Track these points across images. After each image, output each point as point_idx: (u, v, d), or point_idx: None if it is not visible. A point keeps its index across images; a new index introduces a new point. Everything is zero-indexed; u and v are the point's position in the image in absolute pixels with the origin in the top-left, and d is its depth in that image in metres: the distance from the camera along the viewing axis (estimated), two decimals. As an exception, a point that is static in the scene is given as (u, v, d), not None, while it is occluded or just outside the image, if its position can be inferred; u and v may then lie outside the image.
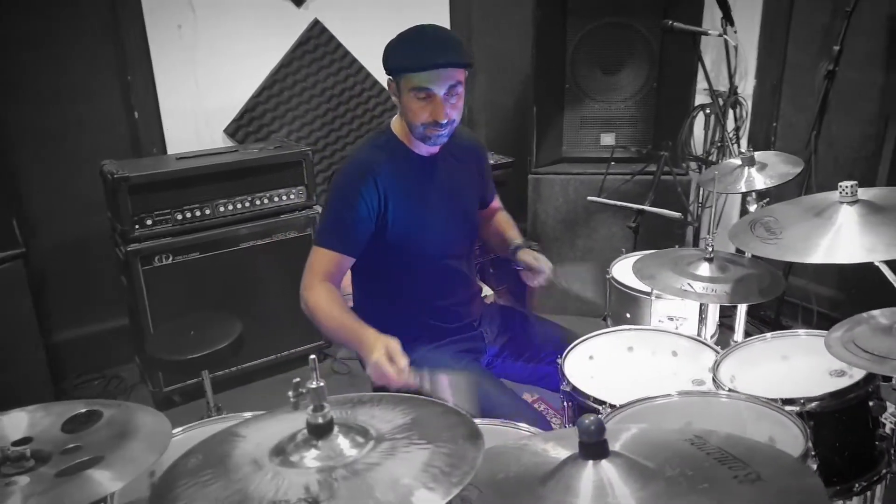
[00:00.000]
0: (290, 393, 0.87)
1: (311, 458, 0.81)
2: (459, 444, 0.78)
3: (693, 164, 3.19)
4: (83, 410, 1.05)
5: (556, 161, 3.53)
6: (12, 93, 2.70)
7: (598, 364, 1.64)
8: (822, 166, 2.85)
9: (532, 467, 0.82)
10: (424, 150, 1.74)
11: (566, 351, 1.61)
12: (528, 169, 3.43)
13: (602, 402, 1.39)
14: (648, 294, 1.91)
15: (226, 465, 0.83)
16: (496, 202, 2.04)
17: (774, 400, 1.19)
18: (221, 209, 2.74)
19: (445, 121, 1.62)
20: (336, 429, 0.83)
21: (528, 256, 1.83)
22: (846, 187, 1.30)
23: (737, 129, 3.16)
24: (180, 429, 1.35)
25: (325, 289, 1.66)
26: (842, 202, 1.31)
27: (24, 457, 0.92)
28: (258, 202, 2.82)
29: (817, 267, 2.95)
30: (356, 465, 0.78)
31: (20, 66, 2.69)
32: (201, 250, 2.70)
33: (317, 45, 3.27)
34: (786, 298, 2.98)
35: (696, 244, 3.19)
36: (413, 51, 1.61)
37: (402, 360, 1.47)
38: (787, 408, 1.17)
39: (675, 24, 2.73)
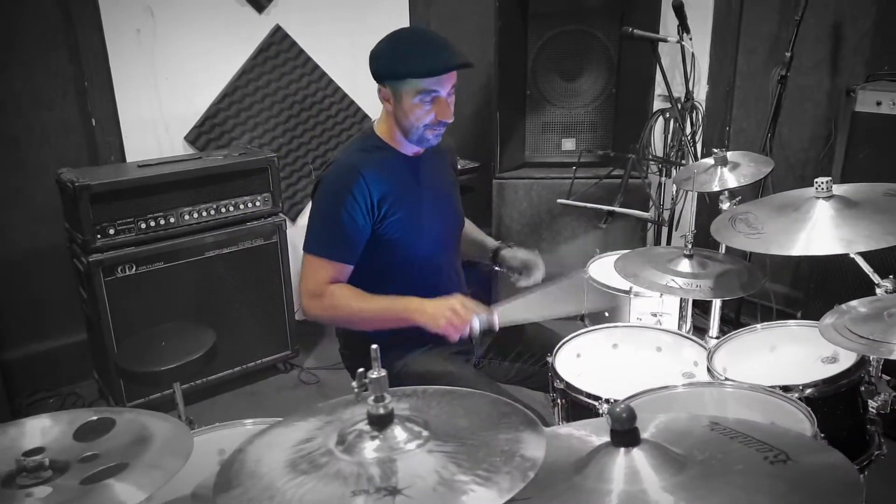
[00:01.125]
0: (355, 383, 0.88)
1: (370, 449, 0.81)
2: (520, 434, 0.79)
3: (653, 168, 3.29)
4: (94, 418, 1.02)
5: (520, 166, 3.58)
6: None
7: (585, 361, 1.67)
8: (776, 167, 2.97)
9: (561, 457, 0.83)
10: (410, 150, 1.74)
11: (556, 348, 1.63)
12: (492, 174, 3.47)
13: (598, 398, 1.41)
14: (627, 292, 1.95)
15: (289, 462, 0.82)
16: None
17: (773, 387, 1.23)
18: (186, 217, 2.67)
19: (450, 120, 1.64)
20: (396, 419, 0.83)
21: (521, 254, 1.86)
22: (821, 183, 1.36)
23: (693, 133, 3.26)
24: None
25: (340, 287, 1.67)
26: (817, 197, 1.37)
27: (42, 466, 0.88)
28: (223, 210, 2.77)
29: (773, 266, 3.07)
30: (415, 455, 0.78)
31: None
32: (165, 260, 2.63)
33: (279, 51, 3.23)
34: (745, 298, 3.09)
35: (658, 244, 3.28)
36: (424, 56, 1.60)
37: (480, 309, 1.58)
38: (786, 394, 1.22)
39: (635, 31, 2.80)
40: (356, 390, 0.86)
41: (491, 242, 2.00)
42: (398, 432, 0.82)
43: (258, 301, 2.93)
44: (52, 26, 2.69)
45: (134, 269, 2.54)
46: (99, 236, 2.46)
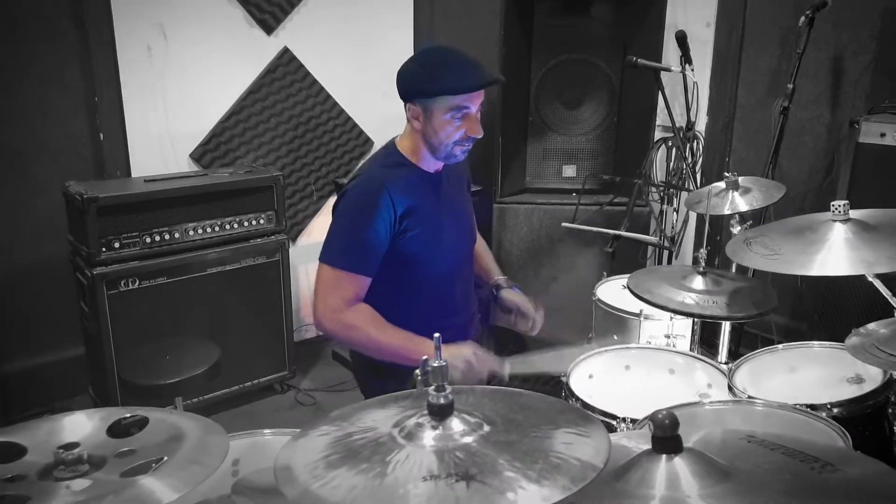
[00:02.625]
0: (417, 371, 0.89)
1: (431, 438, 0.81)
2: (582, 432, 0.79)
3: (654, 195, 3.32)
4: (127, 416, 1.02)
5: (520, 191, 3.60)
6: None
7: (597, 383, 1.67)
8: (776, 203, 3.02)
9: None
10: (431, 167, 1.76)
11: (569, 369, 1.63)
12: (492, 199, 3.49)
13: (614, 416, 1.41)
14: (637, 315, 1.96)
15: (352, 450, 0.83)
16: None
17: (800, 405, 1.23)
18: (190, 233, 2.66)
19: (480, 135, 1.67)
20: (455, 412, 0.83)
21: (519, 300, 1.87)
22: (838, 206, 1.38)
23: (694, 162, 3.30)
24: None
25: (361, 309, 1.66)
26: (834, 220, 1.39)
27: (80, 460, 0.88)
28: (227, 227, 2.76)
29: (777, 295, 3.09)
30: (477, 446, 0.78)
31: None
32: (168, 275, 2.61)
33: (285, 72, 3.26)
34: (745, 329, 3.10)
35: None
36: (458, 73, 1.64)
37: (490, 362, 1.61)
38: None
39: (639, 60, 2.86)
40: (418, 378, 0.87)
41: (495, 276, 2.02)
42: (456, 424, 0.82)
43: (258, 320, 2.91)
44: (67, 42, 2.71)
45: (137, 283, 2.53)
46: (104, 249, 2.45)
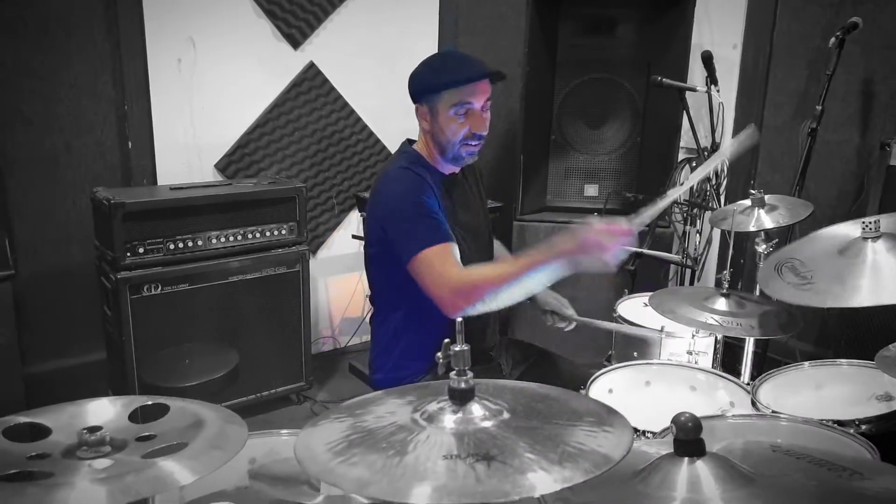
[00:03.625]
0: (439, 354, 0.91)
1: (451, 421, 0.82)
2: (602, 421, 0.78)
3: (678, 216, 3.29)
4: (149, 403, 1.04)
5: (541, 209, 3.59)
6: (9, 119, 2.66)
7: (617, 398, 1.65)
8: (803, 223, 2.97)
9: (621, 466, 0.81)
10: (447, 170, 1.78)
11: (588, 382, 1.61)
12: (513, 216, 3.49)
13: (633, 429, 1.38)
14: (659, 332, 1.93)
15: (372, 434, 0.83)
16: None
17: (827, 421, 1.20)
18: (213, 241, 2.69)
19: (484, 132, 1.67)
20: (476, 397, 0.83)
21: (554, 299, 1.85)
22: (870, 223, 1.34)
23: (718, 184, 3.28)
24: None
25: (472, 269, 1.57)
26: (865, 238, 1.35)
27: (102, 441, 0.90)
28: (250, 236, 2.78)
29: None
30: (497, 430, 0.78)
31: (20, 92, 2.66)
32: (190, 282, 2.63)
33: (311, 86, 3.31)
34: (768, 355, 3.04)
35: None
36: (454, 68, 1.68)
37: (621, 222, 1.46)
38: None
39: (664, 79, 2.85)
40: (440, 361, 0.87)
41: None
42: (476, 409, 0.82)
43: (277, 329, 2.92)
44: (100, 54, 2.77)
45: (160, 288, 2.55)
46: (129, 254, 2.48)
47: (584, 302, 3.30)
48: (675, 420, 0.80)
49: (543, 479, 0.70)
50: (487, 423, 0.81)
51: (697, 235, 3.17)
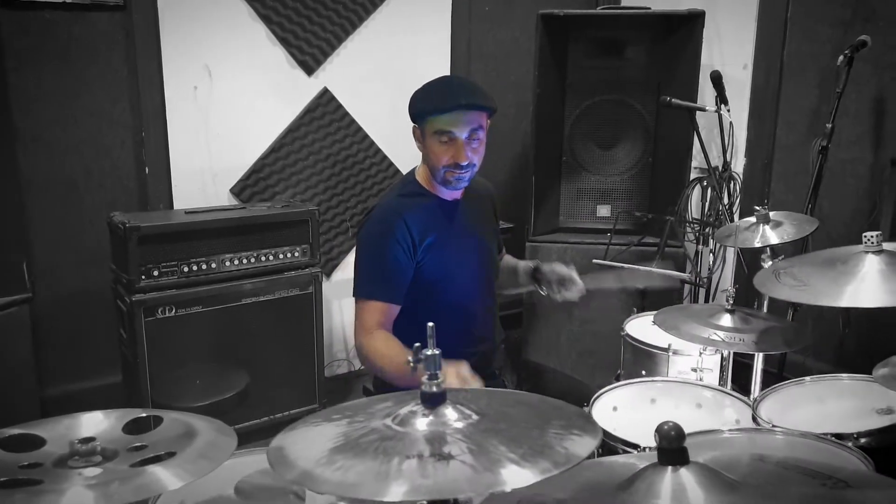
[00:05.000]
0: (410, 357, 0.92)
1: (423, 424, 0.85)
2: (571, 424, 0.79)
3: (690, 236, 3.28)
4: (143, 415, 1.07)
5: (553, 230, 3.60)
6: (30, 144, 2.74)
7: (621, 415, 1.63)
8: (817, 242, 2.94)
9: (606, 478, 0.81)
10: (448, 195, 1.79)
11: (592, 399, 1.60)
12: (525, 237, 3.49)
13: (636, 446, 1.37)
14: (666, 350, 1.92)
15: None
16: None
17: (825, 434, 1.18)
18: (227, 264, 2.73)
19: (466, 163, 1.67)
20: (448, 400, 0.85)
21: (559, 268, 1.85)
22: (871, 237, 1.35)
23: (731, 203, 3.26)
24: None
25: (381, 335, 1.66)
26: (866, 251, 1.35)
27: (93, 451, 0.93)
28: (263, 258, 2.82)
29: (815, 342, 2.99)
30: (465, 432, 0.80)
31: (41, 118, 2.75)
32: (204, 304, 2.67)
33: (324, 112, 3.37)
34: (784, 376, 2.99)
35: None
36: (438, 95, 1.69)
37: (475, 382, 1.44)
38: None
39: (673, 100, 2.86)
40: (411, 363, 0.89)
41: (525, 264, 2.02)
42: (449, 412, 0.84)
43: (290, 351, 2.94)
44: (118, 81, 2.86)
45: (174, 311, 2.59)
46: (143, 277, 2.53)
47: (595, 323, 3.31)
48: (658, 429, 0.80)
49: (504, 477, 0.73)
50: (458, 425, 0.83)
51: (711, 255, 3.15)
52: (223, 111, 3.08)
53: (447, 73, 3.72)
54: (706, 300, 2.96)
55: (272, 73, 3.18)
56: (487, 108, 1.69)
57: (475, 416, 0.83)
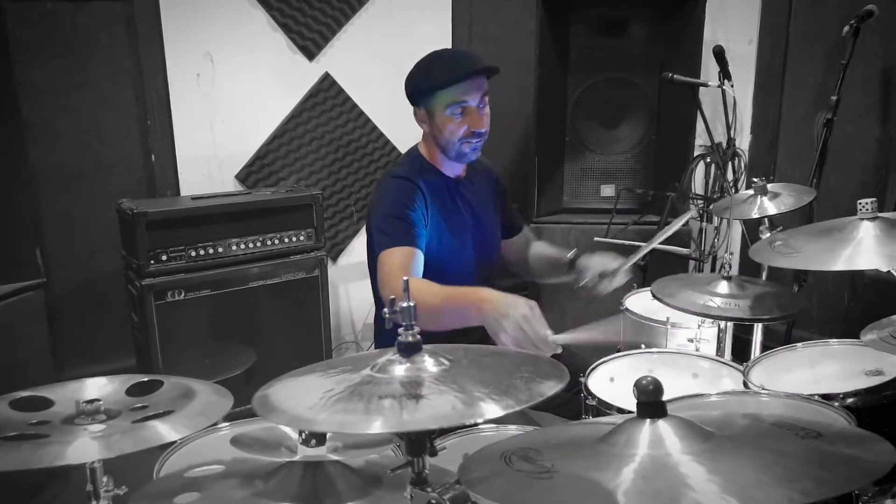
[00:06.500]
0: (386, 309, 0.95)
1: (400, 370, 0.91)
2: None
3: (694, 213, 3.28)
4: (145, 379, 1.13)
5: (558, 211, 3.60)
6: (41, 135, 2.78)
7: (618, 385, 1.65)
8: (822, 216, 2.93)
9: (589, 433, 0.84)
10: (452, 172, 1.80)
11: (588, 370, 1.62)
12: (529, 218, 3.50)
13: (630, 413, 1.39)
14: (664, 323, 1.93)
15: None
16: (527, 231, 2.07)
17: (812, 395, 1.20)
18: (234, 248, 2.76)
19: (483, 129, 1.68)
20: (423, 349, 0.91)
21: (597, 259, 1.79)
22: (866, 204, 1.35)
23: (735, 180, 3.25)
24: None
25: (412, 280, 1.58)
26: (861, 219, 1.36)
27: (97, 410, 1.00)
28: (269, 242, 2.86)
29: (820, 318, 2.98)
30: (439, 376, 0.86)
31: (49, 109, 2.79)
32: (212, 287, 2.71)
33: (326, 97, 3.38)
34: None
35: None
36: (444, 68, 1.69)
37: (545, 328, 1.31)
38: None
39: (675, 76, 2.85)
40: (386, 316, 0.92)
41: (560, 255, 1.98)
42: (427, 359, 0.90)
43: (297, 334, 2.98)
44: (123, 70, 2.90)
45: (183, 294, 2.63)
46: (152, 262, 2.57)
47: (600, 304, 3.32)
48: (636, 384, 0.82)
49: (464, 412, 0.80)
50: (432, 370, 0.88)
51: (715, 232, 3.15)
52: (226, 98, 3.11)
53: (448, 54, 3.72)
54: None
55: (273, 59, 3.20)
56: (494, 67, 1.71)
57: (448, 364, 0.87)
